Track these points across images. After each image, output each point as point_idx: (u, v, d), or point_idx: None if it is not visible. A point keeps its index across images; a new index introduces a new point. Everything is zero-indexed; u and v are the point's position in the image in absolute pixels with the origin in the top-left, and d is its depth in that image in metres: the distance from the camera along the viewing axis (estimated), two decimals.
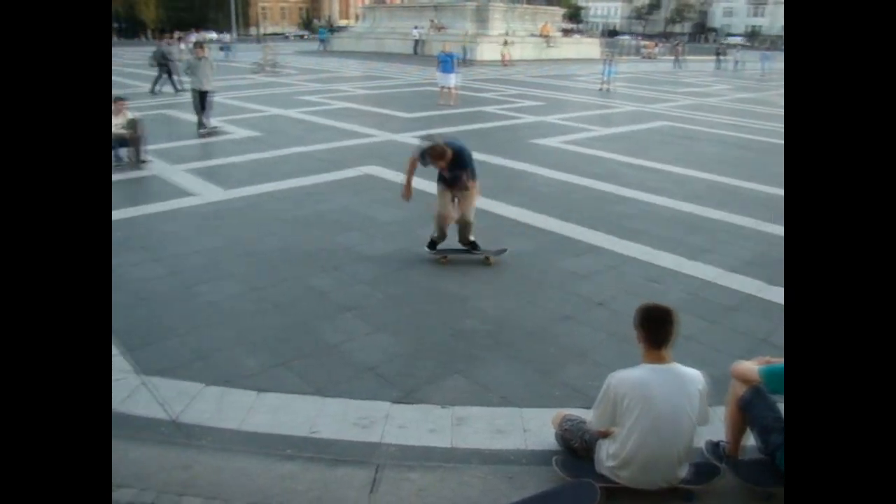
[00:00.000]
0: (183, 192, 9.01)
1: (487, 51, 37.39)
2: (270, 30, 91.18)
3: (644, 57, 48.57)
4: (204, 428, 3.93)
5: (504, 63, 34.97)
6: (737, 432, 3.56)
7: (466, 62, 33.52)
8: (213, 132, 13.75)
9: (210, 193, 9.01)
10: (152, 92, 20.71)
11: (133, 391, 4.31)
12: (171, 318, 5.36)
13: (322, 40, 50.51)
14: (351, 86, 24.56)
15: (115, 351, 4.80)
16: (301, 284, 6.05)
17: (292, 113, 17.08)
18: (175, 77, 20.89)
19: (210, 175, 10.16)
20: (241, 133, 14.01)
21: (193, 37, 35.67)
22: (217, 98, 15.23)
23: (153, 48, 23.66)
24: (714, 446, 3.65)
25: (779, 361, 3.39)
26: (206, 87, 13.59)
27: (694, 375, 3.28)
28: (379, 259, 6.72)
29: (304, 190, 9.45)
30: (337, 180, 10.00)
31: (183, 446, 3.76)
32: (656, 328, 3.26)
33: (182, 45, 27.74)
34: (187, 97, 15.06)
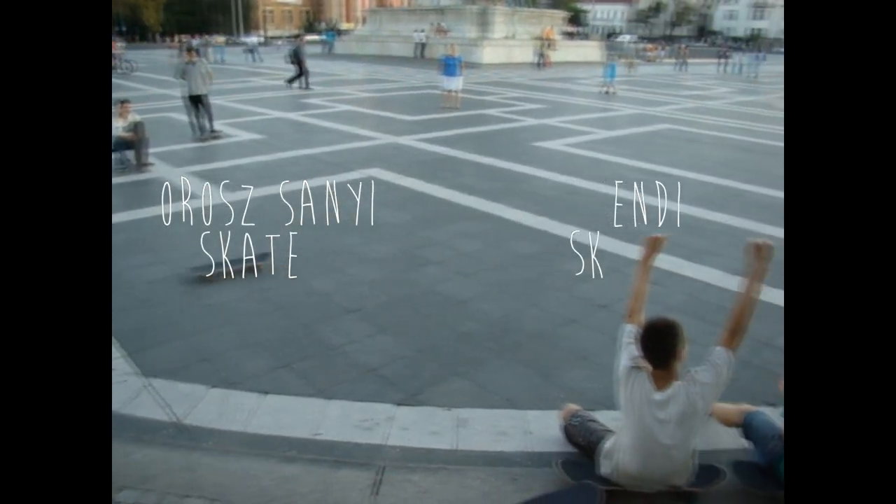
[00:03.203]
0: (186, 195, 9.01)
1: (490, 55, 37.46)
2: (273, 33, 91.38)
3: (647, 60, 48.62)
4: (208, 430, 3.95)
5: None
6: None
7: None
8: (216, 136, 13.78)
9: (213, 196, 9.00)
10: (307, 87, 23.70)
11: (137, 393, 4.33)
12: (175, 321, 5.38)
13: (329, 43, 50.63)
14: (353, 89, 24.60)
15: (118, 353, 4.82)
16: (304, 286, 6.07)
17: (295, 116, 17.12)
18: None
19: (213, 177, 10.17)
20: (244, 136, 14.04)
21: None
22: (221, 101, 15.23)
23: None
24: None
25: (756, 409, 3.59)
26: (199, 92, 13.55)
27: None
28: (381, 261, 6.73)
29: (308, 192, 9.44)
30: (340, 183, 10.01)
31: (187, 448, 3.78)
32: (653, 346, 3.19)
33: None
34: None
